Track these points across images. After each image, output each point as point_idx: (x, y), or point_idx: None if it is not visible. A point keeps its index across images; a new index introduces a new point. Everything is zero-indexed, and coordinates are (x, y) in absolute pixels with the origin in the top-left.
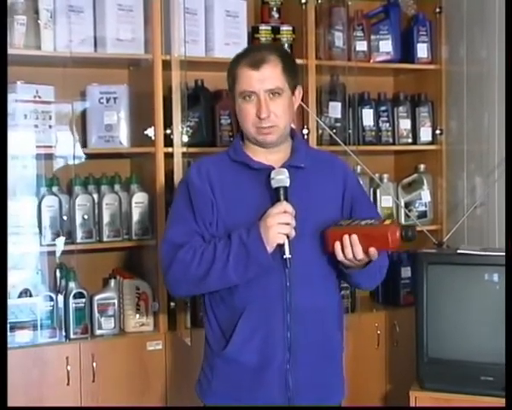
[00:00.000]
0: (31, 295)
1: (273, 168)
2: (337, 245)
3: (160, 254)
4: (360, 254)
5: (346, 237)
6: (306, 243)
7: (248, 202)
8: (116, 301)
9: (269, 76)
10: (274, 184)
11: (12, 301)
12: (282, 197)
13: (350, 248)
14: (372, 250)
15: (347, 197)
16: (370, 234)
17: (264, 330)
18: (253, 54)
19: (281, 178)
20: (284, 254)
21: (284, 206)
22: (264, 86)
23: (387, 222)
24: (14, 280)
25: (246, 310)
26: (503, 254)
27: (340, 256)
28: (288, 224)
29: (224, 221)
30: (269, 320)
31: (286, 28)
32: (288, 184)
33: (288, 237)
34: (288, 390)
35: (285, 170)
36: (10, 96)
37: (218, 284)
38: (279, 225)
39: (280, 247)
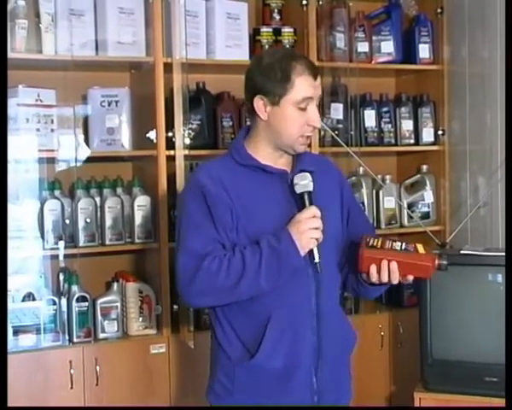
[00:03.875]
0: (34, 299)
1: (286, 172)
2: (373, 268)
3: (180, 265)
4: (397, 280)
5: (384, 262)
6: (322, 247)
7: (269, 208)
8: (119, 304)
9: (319, 85)
10: (298, 189)
11: (15, 305)
12: (307, 202)
13: (387, 274)
14: (410, 278)
15: (345, 200)
16: (410, 263)
17: (292, 336)
18: (308, 63)
19: (305, 183)
20: (314, 258)
21: (314, 211)
22: (318, 94)
23: (420, 248)
24: (18, 284)
25: (272, 317)
26: None
27: (374, 279)
28: (317, 228)
29: (245, 228)
30: (296, 325)
31: (287, 30)
32: (311, 189)
33: (317, 240)
34: (313, 392)
35: (308, 174)
36: (12, 101)
37: (249, 292)
38: (310, 230)
39: (309, 252)
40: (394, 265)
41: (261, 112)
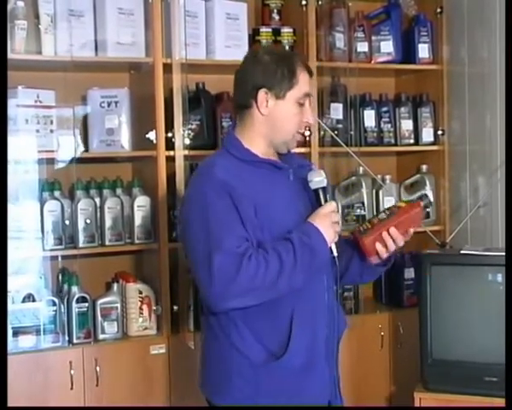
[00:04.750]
0: (34, 300)
1: (288, 168)
2: (379, 245)
3: (218, 265)
4: (402, 241)
5: (384, 233)
6: None
7: (286, 205)
8: (119, 305)
9: None
10: (313, 185)
11: (15, 306)
12: (322, 198)
13: (391, 241)
14: (411, 231)
15: None
16: (404, 219)
17: (311, 331)
18: (305, 61)
19: (320, 180)
20: (332, 253)
21: (334, 205)
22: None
23: (402, 204)
24: (18, 285)
25: (295, 315)
26: None
27: (384, 255)
28: (337, 222)
29: (268, 227)
30: (314, 320)
31: (287, 30)
32: (325, 184)
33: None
34: (328, 385)
35: (322, 171)
36: (11, 101)
37: (286, 289)
38: (334, 224)
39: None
40: (393, 229)
41: (263, 106)
